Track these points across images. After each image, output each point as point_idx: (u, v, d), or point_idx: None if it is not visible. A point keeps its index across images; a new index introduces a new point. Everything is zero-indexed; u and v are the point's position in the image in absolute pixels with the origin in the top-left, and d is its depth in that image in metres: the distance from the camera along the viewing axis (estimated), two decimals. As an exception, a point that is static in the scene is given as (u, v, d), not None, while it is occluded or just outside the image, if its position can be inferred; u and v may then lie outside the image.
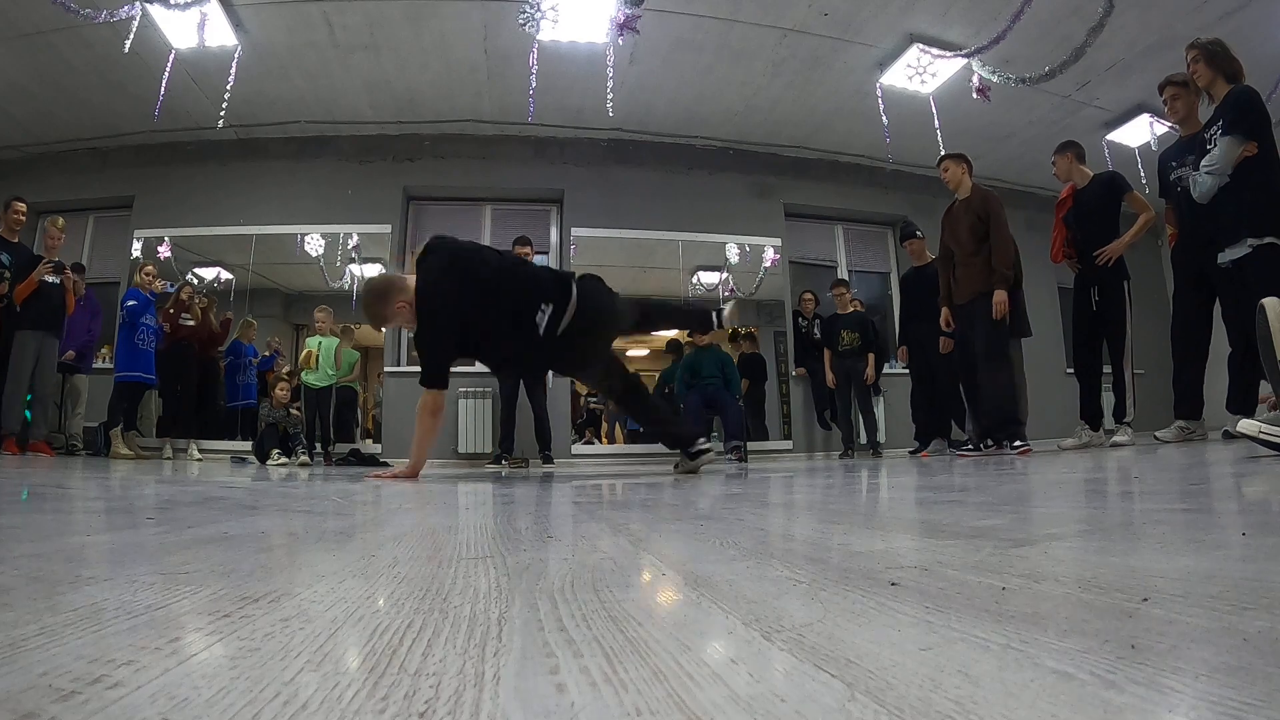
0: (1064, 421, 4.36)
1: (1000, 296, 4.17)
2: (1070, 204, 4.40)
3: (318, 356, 5.91)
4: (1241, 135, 3.23)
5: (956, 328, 4.58)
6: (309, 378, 5.88)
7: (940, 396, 5.29)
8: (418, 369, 2.87)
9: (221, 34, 5.24)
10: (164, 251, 6.65)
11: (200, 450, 5.96)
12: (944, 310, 4.67)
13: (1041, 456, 3.56)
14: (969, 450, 4.43)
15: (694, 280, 7.34)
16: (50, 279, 5.02)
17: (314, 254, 6.77)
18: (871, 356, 6.05)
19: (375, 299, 2.85)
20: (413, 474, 2.85)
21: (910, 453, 5.67)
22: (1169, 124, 5.90)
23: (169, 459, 5.57)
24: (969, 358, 4.46)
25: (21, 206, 5.04)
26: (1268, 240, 3.18)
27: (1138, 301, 4.33)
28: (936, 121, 6.21)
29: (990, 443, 4.32)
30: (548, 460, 5.59)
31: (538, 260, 7.28)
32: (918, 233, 5.77)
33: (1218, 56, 3.39)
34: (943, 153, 4.73)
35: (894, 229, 8.13)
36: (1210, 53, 3.41)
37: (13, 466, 3.44)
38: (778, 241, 7.42)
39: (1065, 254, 4.42)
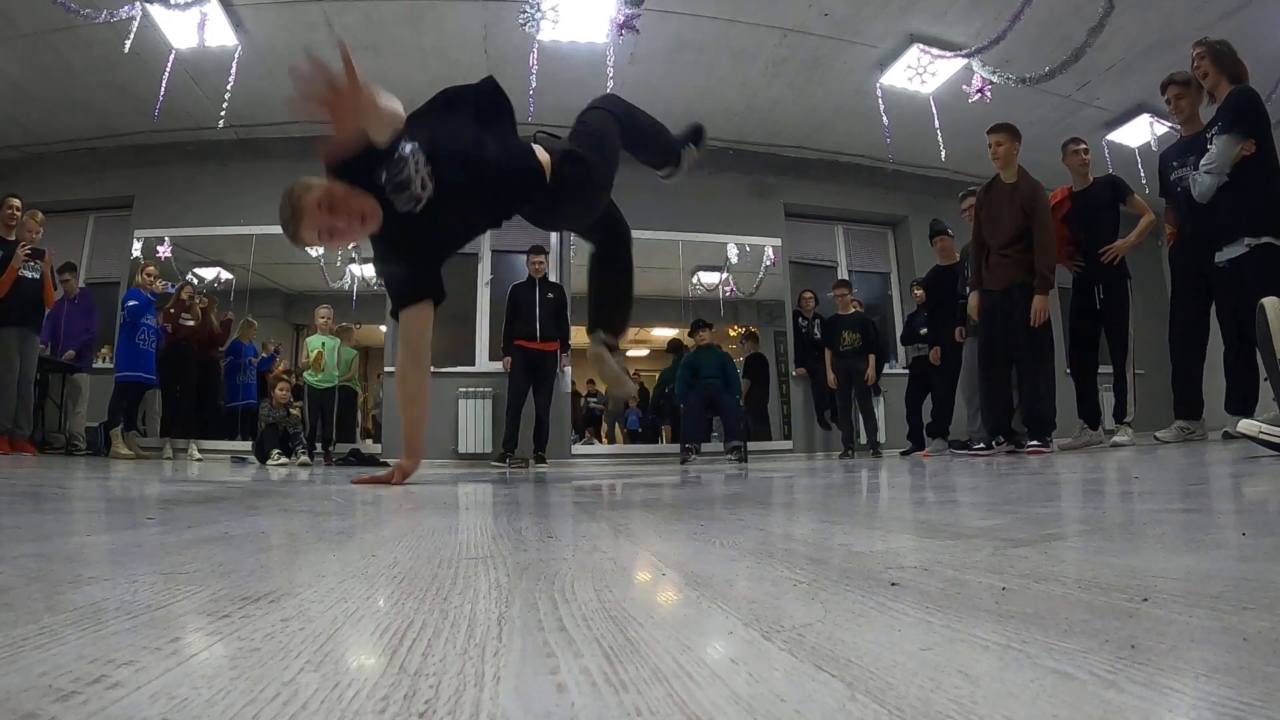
0: (1064, 421, 4.34)
1: (1040, 304, 4.01)
2: (1068, 206, 4.39)
3: (325, 357, 5.90)
4: (1239, 134, 3.23)
5: (982, 319, 4.36)
6: (313, 379, 5.87)
7: (942, 396, 5.29)
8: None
9: (221, 34, 5.24)
10: (164, 251, 6.64)
11: (200, 450, 5.95)
12: (972, 296, 4.43)
13: (1041, 457, 3.56)
14: (980, 449, 4.37)
15: (694, 280, 7.35)
16: (29, 274, 4.99)
17: (314, 254, 6.77)
18: (872, 357, 6.05)
19: None
20: (407, 473, 2.35)
21: (902, 453, 5.67)
22: (1169, 124, 5.89)
23: (169, 459, 5.57)
24: (991, 348, 4.28)
25: (15, 202, 5.03)
26: (1265, 240, 3.18)
27: (1138, 301, 4.33)
28: (936, 121, 6.21)
29: (1001, 440, 4.27)
30: (540, 460, 5.64)
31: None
32: (949, 230, 5.55)
33: (1224, 57, 3.39)
34: (995, 123, 4.36)
35: (894, 229, 8.13)
36: (1217, 52, 3.40)
37: (3, 466, 3.44)
38: (778, 241, 7.42)
39: (1068, 254, 4.40)
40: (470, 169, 2.02)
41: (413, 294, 2.16)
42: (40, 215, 5.33)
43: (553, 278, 7.18)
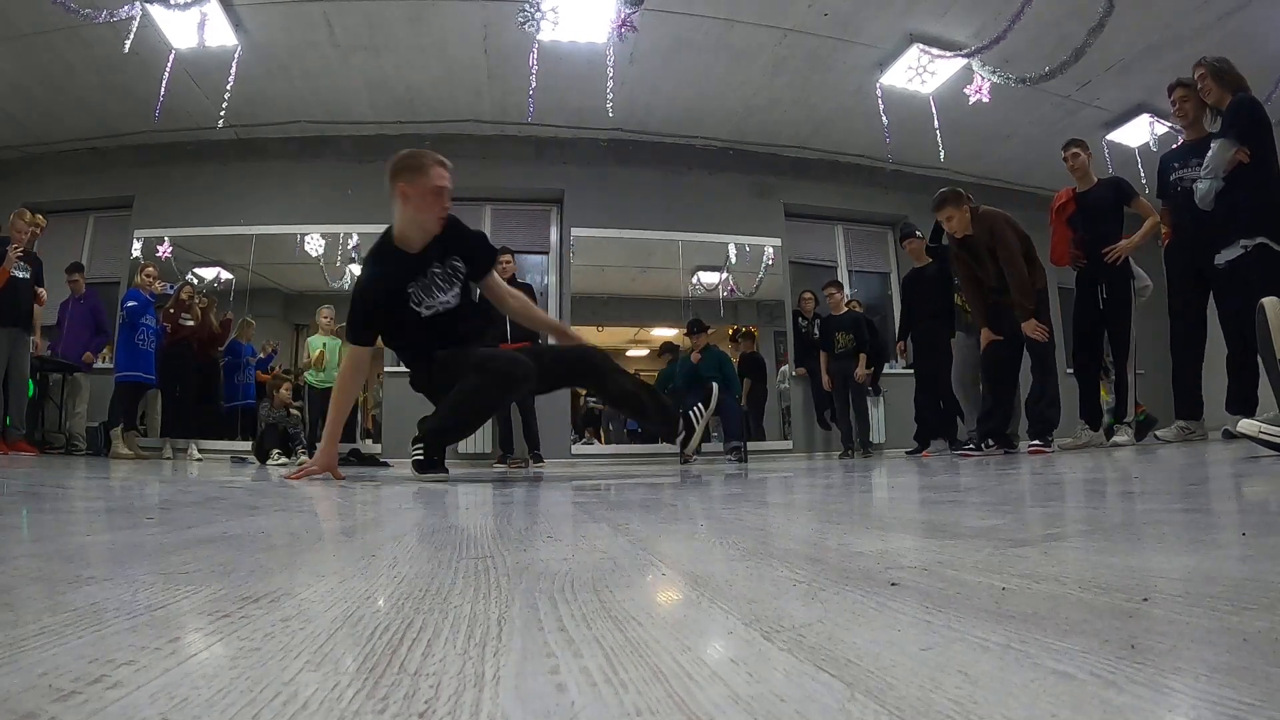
0: (1064, 422, 4.35)
1: (1030, 327, 4.08)
2: (1072, 207, 4.40)
3: (327, 357, 5.91)
4: (1233, 139, 3.25)
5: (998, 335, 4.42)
6: (314, 378, 5.88)
7: (944, 396, 5.28)
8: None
9: (221, 34, 5.24)
10: (164, 251, 6.65)
11: (200, 450, 5.96)
12: (984, 331, 4.43)
13: (1041, 456, 3.56)
14: (971, 450, 4.42)
15: (694, 280, 7.35)
16: (20, 275, 5.00)
17: (314, 254, 6.77)
18: (862, 356, 6.04)
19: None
20: (327, 463, 2.60)
21: (908, 453, 5.67)
22: (1170, 124, 5.89)
23: (169, 459, 5.58)
24: (997, 361, 4.38)
25: (33, 217, 5.09)
26: (1259, 241, 3.19)
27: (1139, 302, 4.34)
28: (936, 121, 6.21)
29: (991, 443, 4.32)
30: (537, 460, 5.65)
31: (533, 260, 7.38)
32: (917, 232, 5.72)
33: (1223, 74, 3.45)
34: (940, 191, 4.47)
35: (894, 229, 8.13)
36: (1217, 70, 3.46)
37: (1, 465, 3.44)
38: (778, 241, 7.43)
39: (1072, 254, 4.40)
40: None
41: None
42: (29, 216, 5.34)
43: (552, 278, 7.20)
